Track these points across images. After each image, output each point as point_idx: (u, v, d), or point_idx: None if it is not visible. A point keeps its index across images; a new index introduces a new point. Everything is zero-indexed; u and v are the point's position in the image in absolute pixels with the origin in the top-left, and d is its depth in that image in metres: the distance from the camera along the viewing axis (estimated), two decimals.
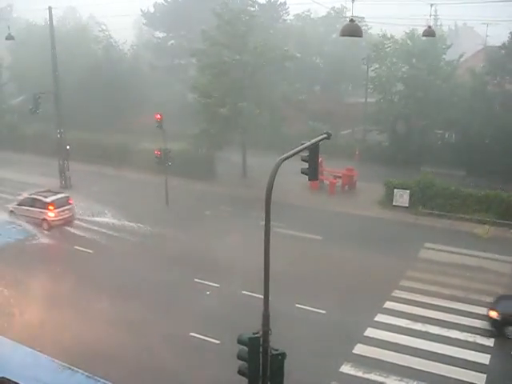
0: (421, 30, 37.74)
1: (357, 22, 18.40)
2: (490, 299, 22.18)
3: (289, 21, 60.22)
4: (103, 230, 30.66)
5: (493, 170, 37.05)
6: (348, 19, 18.00)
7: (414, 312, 21.66)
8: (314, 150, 13.25)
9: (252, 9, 42.84)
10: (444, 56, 43.30)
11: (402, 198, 33.73)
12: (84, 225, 31.67)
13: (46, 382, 16.31)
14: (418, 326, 20.69)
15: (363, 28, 30.93)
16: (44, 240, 29.86)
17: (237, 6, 42.94)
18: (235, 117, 36.92)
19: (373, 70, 46.24)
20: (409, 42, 43.50)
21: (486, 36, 69.35)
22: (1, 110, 56.06)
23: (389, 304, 22.42)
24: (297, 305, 22.16)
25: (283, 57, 38.50)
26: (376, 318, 21.32)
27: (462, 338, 19.95)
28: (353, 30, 17.47)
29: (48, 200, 31.36)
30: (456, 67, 43.28)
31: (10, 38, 38.54)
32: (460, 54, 44.03)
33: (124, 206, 33.93)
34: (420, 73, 41.91)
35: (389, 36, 44.70)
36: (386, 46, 44.57)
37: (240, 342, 12.02)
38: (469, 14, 74.15)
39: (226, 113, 36.39)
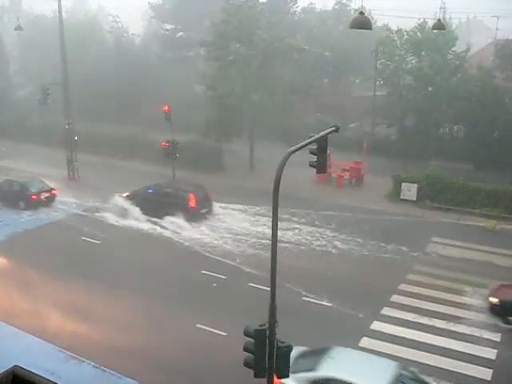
0: (430, 23, 37.63)
1: (366, 14, 18.30)
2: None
3: (297, 13, 59.91)
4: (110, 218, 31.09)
5: (501, 164, 36.87)
6: (357, 12, 17.91)
7: (420, 306, 21.63)
8: (322, 142, 13.23)
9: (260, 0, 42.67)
10: (453, 49, 42.98)
11: (409, 191, 33.63)
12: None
13: (53, 372, 16.41)
14: (425, 320, 20.67)
15: (372, 21, 30.80)
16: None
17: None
18: (242, 108, 36.93)
19: (381, 63, 46.01)
20: (419, 34, 43.19)
21: (496, 29, 68.82)
22: (9, 101, 56.18)
23: (395, 298, 22.40)
24: (303, 298, 22.23)
25: (290, 47, 38.30)
26: (382, 312, 21.31)
27: (468, 332, 19.89)
28: (362, 22, 17.32)
29: None
30: (464, 60, 42.92)
31: (19, 28, 38.64)
32: (467, 47, 43.55)
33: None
34: (428, 66, 41.66)
35: (397, 29, 44.41)
36: (394, 38, 44.31)
37: (246, 333, 12.07)
38: (479, 7, 73.76)
39: (233, 103, 36.46)
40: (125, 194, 32.00)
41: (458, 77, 42.24)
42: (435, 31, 36.98)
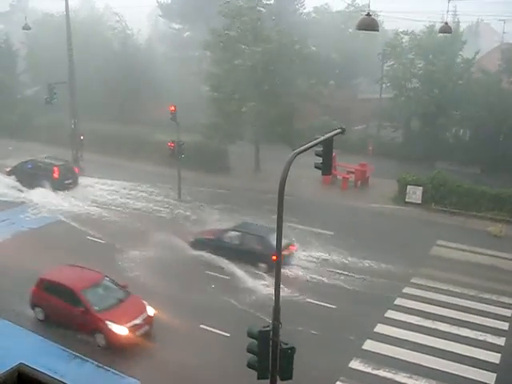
0: (438, 26, 37.50)
1: (373, 16, 18.30)
2: (501, 298, 22.26)
3: (304, 15, 59.80)
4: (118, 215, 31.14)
5: (508, 168, 36.78)
6: (364, 13, 17.91)
7: (424, 309, 21.59)
8: (327, 144, 13.22)
9: (265, 1, 42.51)
10: (461, 53, 42.87)
11: (414, 194, 33.53)
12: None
13: (56, 371, 16.44)
14: (429, 323, 20.63)
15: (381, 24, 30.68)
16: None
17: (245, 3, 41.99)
18: (243, 113, 36.96)
19: (388, 66, 45.91)
20: (426, 37, 43.06)
21: (503, 33, 68.63)
22: (16, 100, 56.29)
23: (399, 301, 22.36)
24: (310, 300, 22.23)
25: (292, 43, 38.09)
26: (386, 315, 21.27)
27: (472, 336, 19.86)
28: (369, 23, 17.35)
29: None
30: (471, 64, 42.81)
31: (26, 27, 38.79)
32: (475, 52, 43.42)
33: (135, 197, 34.23)
34: (436, 69, 41.56)
35: (407, 31, 44.24)
36: (402, 41, 44.19)
37: (250, 335, 12.06)
38: (486, 11, 73.59)
39: (234, 108, 36.51)
40: (8, 169, 37.15)
41: (465, 80, 42.11)
42: (442, 34, 36.85)
